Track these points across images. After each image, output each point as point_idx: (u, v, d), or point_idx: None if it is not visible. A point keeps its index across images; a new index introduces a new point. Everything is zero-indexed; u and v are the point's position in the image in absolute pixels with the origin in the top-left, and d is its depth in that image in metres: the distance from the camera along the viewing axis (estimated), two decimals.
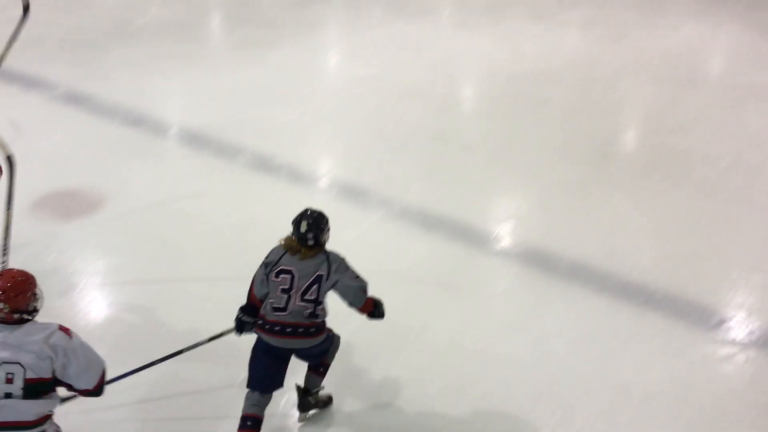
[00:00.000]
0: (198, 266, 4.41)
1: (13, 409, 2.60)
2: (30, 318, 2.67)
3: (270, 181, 5.38)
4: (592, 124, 6.53)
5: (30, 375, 2.60)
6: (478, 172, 5.62)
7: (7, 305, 2.62)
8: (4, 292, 2.62)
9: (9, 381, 2.59)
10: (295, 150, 5.86)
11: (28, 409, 2.62)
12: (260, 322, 3.18)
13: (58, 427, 2.75)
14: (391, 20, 8.77)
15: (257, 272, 3.20)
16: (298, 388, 3.42)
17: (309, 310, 3.14)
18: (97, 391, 2.74)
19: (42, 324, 2.67)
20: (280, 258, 3.15)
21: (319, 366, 3.40)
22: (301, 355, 3.27)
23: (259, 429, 3.12)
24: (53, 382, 2.66)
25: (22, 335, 2.62)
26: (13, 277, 2.66)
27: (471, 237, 4.81)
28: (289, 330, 3.15)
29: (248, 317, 3.23)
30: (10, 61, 7.02)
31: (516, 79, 7.40)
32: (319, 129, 6.36)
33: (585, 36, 8.52)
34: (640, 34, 8.52)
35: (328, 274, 3.14)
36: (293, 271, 3.13)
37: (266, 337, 3.17)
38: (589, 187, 5.43)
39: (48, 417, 2.68)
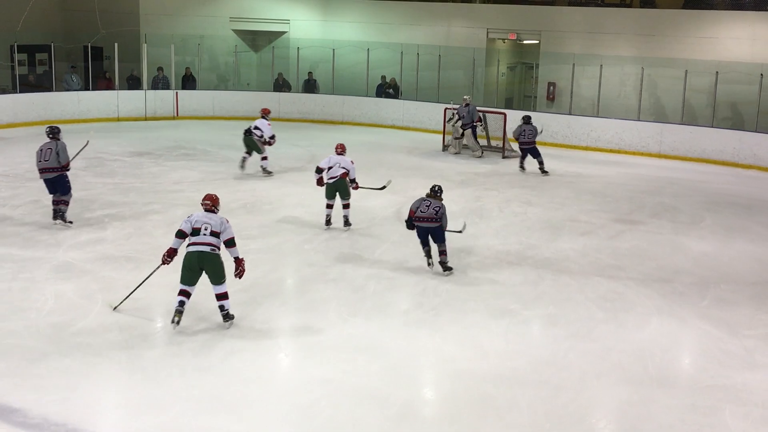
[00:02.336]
0: None
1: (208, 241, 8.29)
2: (216, 210, 8.51)
3: None
4: None
5: (214, 229, 8.27)
6: None
7: (215, 206, 8.49)
8: (212, 201, 8.51)
9: (206, 231, 8.27)
10: None
11: (213, 241, 8.29)
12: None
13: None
14: (345, 320, 8.80)
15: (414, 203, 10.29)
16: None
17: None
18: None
19: (219, 215, 8.48)
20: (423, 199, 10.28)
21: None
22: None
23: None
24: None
25: (215, 215, 8.40)
26: (215, 196, 8.59)
27: None
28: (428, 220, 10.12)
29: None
30: None
31: (480, 381, 7.41)
32: None
33: (549, 334, 8.66)
34: (606, 332, 8.69)
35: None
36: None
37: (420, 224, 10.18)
38: None
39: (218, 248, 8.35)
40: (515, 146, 18.43)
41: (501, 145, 18.73)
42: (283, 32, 24.91)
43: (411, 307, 9.35)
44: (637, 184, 16.12)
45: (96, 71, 22.52)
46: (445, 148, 19.06)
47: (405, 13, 24.27)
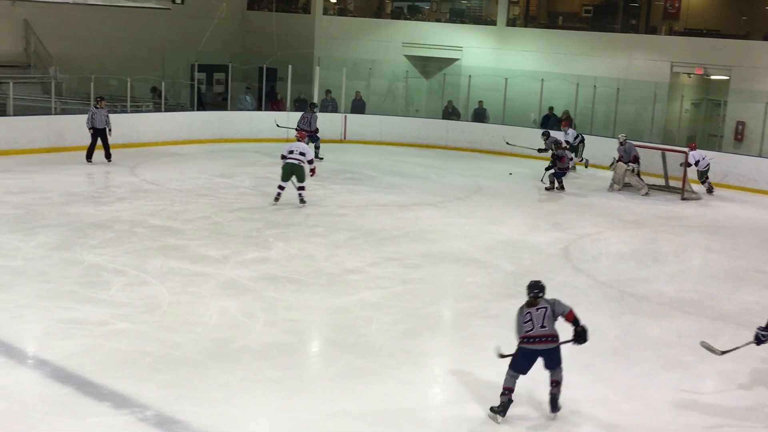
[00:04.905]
0: None
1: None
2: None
3: None
4: None
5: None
6: None
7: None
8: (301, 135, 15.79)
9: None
10: None
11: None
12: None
13: None
14: (505, 359, 8.72)
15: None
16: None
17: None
18: None
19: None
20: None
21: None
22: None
23: None
24: None
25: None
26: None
27: None
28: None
29: None
30: (107, 379, 7.33)
31: None
32: None
33: (726, 392, 8.28)
34: None
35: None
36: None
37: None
38: None
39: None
40: (696, 187, 17.84)
41: (680, 185, 18.16)
42: (455, 59, 25.19)
43: (574, 351, 9.17)
44: None
45: (269, 92, 23.59)
46: (610, 187, 18.65)
47: (583, 43, 23.99)
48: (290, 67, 22.87)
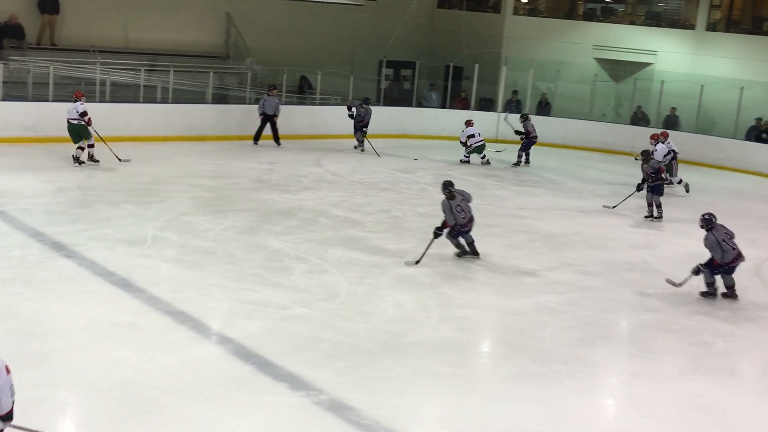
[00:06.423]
0: None
1: None
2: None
3: None
4: None
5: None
6: None
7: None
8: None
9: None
10: None
11: None
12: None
13: None
14: (686, 375, 8.43)
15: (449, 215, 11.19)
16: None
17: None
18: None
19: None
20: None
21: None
22: None
23: None
24: None
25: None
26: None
27: None
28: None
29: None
30: (285, 361, 7.65)
31: None
32: None
33: None
34: None
35: None
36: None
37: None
38: None
39: None
40: None
41: None
42: (648, 64, 24.40)
43: (759, 374, 8.75)
44: None
45: (454, 90, 23.72)
46: None
47: None
48: (477, 66, 22.90)
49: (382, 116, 21.66)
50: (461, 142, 19.05)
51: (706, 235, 10.56)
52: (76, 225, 11.72)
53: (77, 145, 15.32)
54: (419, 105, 23.59)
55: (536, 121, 22.30)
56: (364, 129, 19.48)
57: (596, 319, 9.76)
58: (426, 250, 11.14)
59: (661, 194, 14.78)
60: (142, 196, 13.65)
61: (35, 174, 14.55)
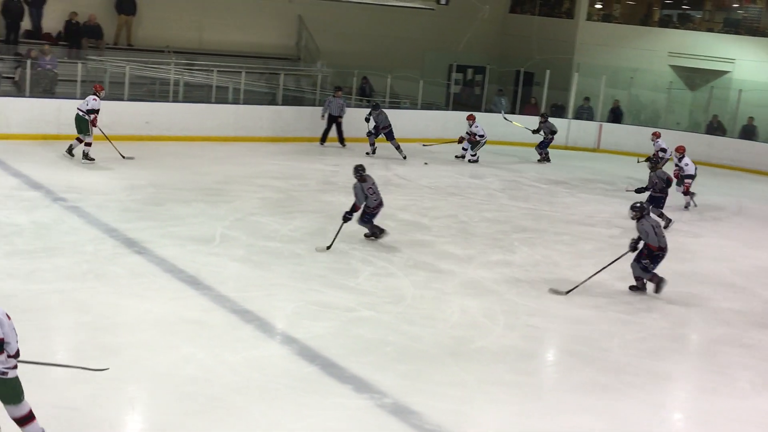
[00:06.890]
0: None
1: None
2: None
3: None
4: None
5: None
6: None
7: None
8: None
9: None
10: None
11: None
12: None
13: None
14: (758, 392, 8.21)
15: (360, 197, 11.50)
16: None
17: None
18: None
19: None
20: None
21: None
22: None
23: None
24: None
25: None
26: None
27: None
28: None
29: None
30: (349, 362, 7.66)
31: None
32: None
33: None
34: None
35: None
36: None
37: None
38: None
39: None
40: None
41: None
42: (725, 72, 23.87)
43: None
44: None
45: (524, 96, 23.53)
46: None
47: None
48: (548, 72, 22.68)
49: (449, 120, 21.60)
50: (468, 139, 19.35)
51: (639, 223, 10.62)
52: (148, 222, 11.93)
53: (77, 136, 15.35)
54: (488, 111, 23.45)
55: (607, 129, 22.04)
56: (386, 133, 19.07)
57: (667, 331, 9.56)
58: (336, 235, 11.35)
59: (662, 207, 14.30)
60: (212, 195, 13.84)
61: (110, 171, 14.87)
